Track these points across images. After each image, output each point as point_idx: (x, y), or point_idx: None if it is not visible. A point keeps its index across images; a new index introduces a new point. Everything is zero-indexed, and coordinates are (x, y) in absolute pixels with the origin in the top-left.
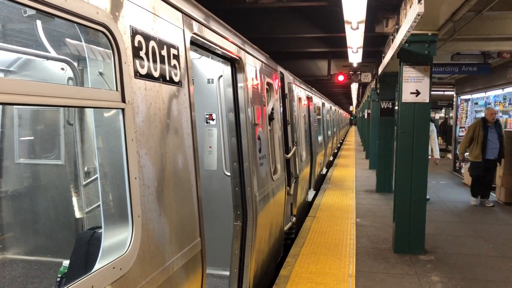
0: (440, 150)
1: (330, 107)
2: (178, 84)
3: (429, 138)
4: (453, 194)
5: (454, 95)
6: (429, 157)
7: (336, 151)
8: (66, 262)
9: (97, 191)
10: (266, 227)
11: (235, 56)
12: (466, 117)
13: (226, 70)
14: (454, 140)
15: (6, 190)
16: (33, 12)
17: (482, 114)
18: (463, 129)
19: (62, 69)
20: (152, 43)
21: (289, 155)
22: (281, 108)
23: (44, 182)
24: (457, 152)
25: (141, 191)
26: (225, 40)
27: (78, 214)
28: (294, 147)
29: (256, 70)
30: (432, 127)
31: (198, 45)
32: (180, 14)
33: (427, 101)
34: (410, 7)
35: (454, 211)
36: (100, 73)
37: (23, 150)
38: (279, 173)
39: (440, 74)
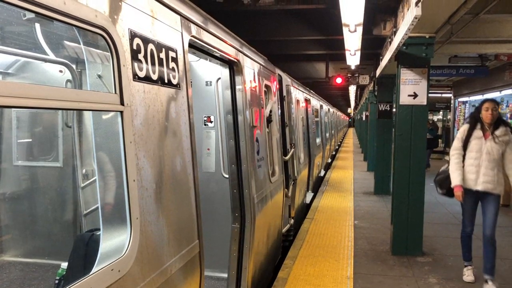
0: (438, 152)
1: (328, 109)
2: (177, 86)
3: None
4: None
5: (452, 97)
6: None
7: (334, 153)
8: (64, 264)
9: (96, 193)
10: (264, 229)
11: (233, 59)
12: (464, 119)
13: (224, 72)
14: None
15: (4, 193)
16: (32, 15)
17: None
18: None
19: (61, 71)
20: (150, 46)
21: (287, 157)
22: (279, 111)
23: (42, 185)
24: None
25: (140, 193)
26: (223, 42)
27: (76, 217)
28: (292, 149)
29: (254, 73)
30: (509, 135)
31: (196, 47)
32: (178, 17)
33: (425, 103)
34: (408, 10)
35: (451, 213)
36: (99, 76)
37: (21, 152)
38: (277, 175)
39: (437, 77)
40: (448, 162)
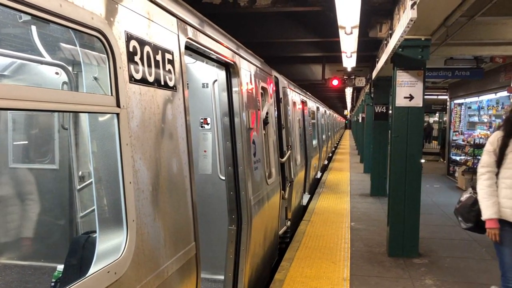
0: (434, 154)
1: (325, 111)
2: (173, 88)
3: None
4: (447, 198)
5: (448, 99)
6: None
7: (330, 155)
8: (60, 267)
9: (92, 196)
10: (260, 231)
11: (229, 61)
12: (460, 121)
13: (221, 74)
14: (448, 144)
15: (0, 195)
16: (28, 17)
17: (476, 119)
18: (457, 133)
19: (57, 73)
20: (147, 48)
21: (283, 159)
22: (276, 112)
23: (39, 187)
24: None
25: (136, 196)
26: (220, 44)
27: (72, 219)
28: (289, 151)
29: (250, 75)
30: None
31: (192, 49)
32: (174, 19)
33: (421, 105)
34: (403, 12)
35: (447, 215)
36: (95, 78)
37: (17, 155)
38: (273, 177)
39: (433, 79)
40: (471, 186)
